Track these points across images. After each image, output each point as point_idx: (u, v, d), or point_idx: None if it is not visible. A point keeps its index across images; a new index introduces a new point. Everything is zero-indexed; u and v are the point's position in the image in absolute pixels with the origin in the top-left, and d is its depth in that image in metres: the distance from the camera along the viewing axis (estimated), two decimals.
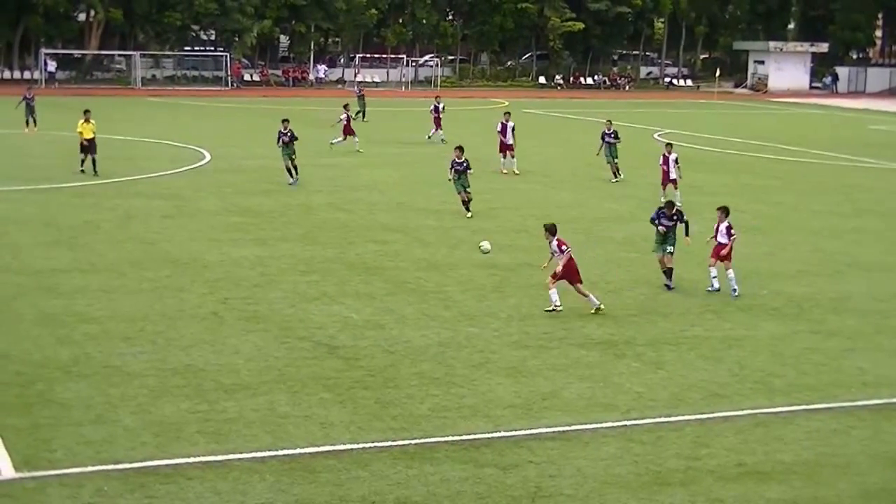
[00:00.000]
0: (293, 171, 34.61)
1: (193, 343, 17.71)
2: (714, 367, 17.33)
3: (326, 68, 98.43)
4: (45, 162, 38.02)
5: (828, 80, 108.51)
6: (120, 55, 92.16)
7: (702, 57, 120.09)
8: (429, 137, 48.78)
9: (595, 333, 18.97)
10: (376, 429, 14.23)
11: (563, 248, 20.09)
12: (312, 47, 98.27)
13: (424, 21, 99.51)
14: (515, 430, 14.29)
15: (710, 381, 16.57)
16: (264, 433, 13.97)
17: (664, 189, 32.92)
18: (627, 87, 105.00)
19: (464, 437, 14.02)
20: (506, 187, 35.93)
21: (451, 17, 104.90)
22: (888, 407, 15.82)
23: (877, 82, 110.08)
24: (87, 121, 35.39)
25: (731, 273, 21.90)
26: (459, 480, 12.73)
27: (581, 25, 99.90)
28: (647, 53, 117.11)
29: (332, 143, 43.93)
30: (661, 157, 33.48)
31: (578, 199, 34.12)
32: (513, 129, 38.69)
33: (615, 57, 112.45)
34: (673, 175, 33.00)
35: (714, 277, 22.10)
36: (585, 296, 20.21)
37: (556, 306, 20.06)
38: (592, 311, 20.12)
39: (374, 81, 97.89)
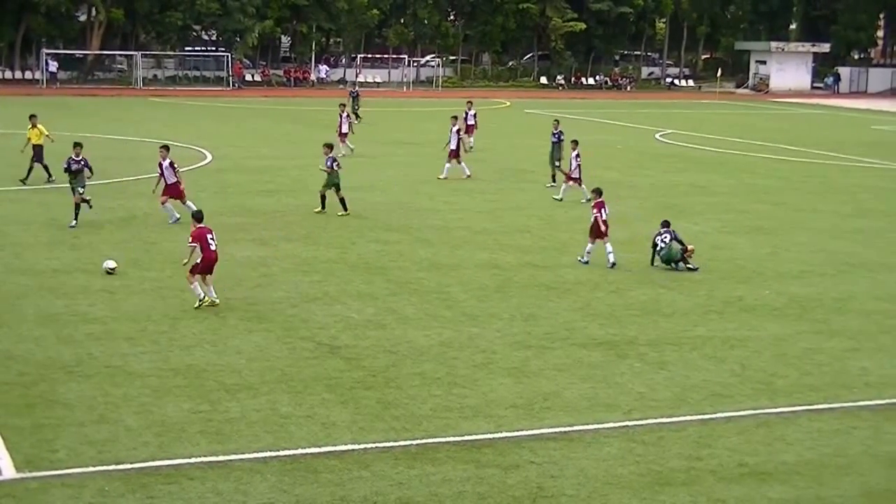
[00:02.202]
0: (78, 210, 27.15)
1: (195, 343, 17.72)
2: (716, 367, 17.32)
3: (328, 68, 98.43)
4: (47, 162, 37.95)
5: (829, 80, 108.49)
6: (121, 55, 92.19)
7: (703, 57, 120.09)
8: (470, 147, 45.44)
9: (597, 334, 18.96)
10: (378, 429, 14.23)
11: (190, 242, 19.71)
12: (314, 47, 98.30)
13: (426, 21, 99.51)
14: (517, 431, 14.29)
15: (712, 382, 16.56)
16: (266, 433, 13.97)
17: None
18: (629, 88, 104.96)
19: (465, 438, 14.02)
20: (508, 187, 35.93)
21: (452, 18, 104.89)
22: (891, 407, 15.80)
23: (879, 82, 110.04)
24: (33, 126, 34.13)
25: (608, 247, 23.93)
26: (461, 481, 12.73)
27: (583, 26, 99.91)
28: (649, 54, 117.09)
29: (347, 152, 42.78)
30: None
31: (580, 198, 34.05)
32: (457, 132, 37.98)
33: (617, 57, 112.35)
34: (574, 174, 33.05)
35: (588, 252, 24.15)
36: (192, 284, 19.77)
37: (200, 300, 19.65)
38: (211, 303, 19.74)
39: (375, 82, 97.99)
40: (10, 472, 12.60)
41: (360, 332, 18.58)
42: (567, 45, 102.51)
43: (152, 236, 26.26)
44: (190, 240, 19.84)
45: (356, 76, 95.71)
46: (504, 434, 14.16)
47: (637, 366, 17.26)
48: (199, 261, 19.71)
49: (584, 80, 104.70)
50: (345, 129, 43.33)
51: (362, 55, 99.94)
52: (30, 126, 34.50)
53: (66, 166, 27.45)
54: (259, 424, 14.26)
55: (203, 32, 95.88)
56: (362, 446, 13.62)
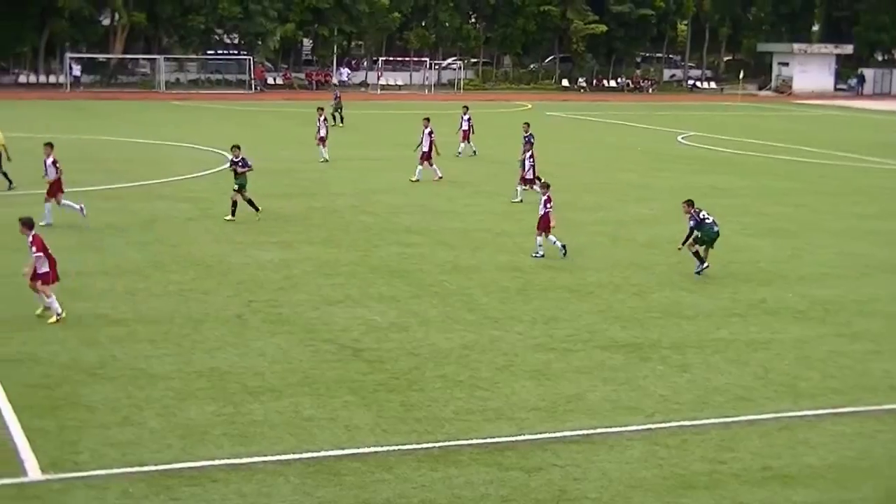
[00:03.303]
0: None
1: (218, 346, 17.78)
2: (739, 370, 17.27)
3: (349, 71, 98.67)
4: (69, 166, 38.12)
5: (853, 81, 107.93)
6: (144, 59, 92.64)
7: (725, 59, 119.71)
8: (466, 153, 45.05)
9: (619, 336, 18.93)
10: (401, 431, 14.25)
11: (36, 252, 18.51)
12: (335, 50, 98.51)
13: (447, 24, 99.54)
14: (540, 433, 14.28)
15: (735, 385, 16.52)
16: (289, 435, 14.01)
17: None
18: (651, 90, 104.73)
19: (488, 440, 14.02)
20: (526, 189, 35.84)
21: (473, 20, 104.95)
22: None
23: None
24: None
25: (551, 238, 24.96)
26: (484, 483, 12.73)
27: (604, 28, 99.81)
28: (671, 56, 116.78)
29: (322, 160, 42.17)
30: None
31: (601, 201, 34.05)
32: (430, 134, 37.88)
33: (638, 59, 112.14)
34: (528, 174, 33.16)
35: (540, 246, 24.99)
36: (49, 297, 18.63)
37: (58, 315, 18.63)
38: (53, 320, 18.56)
39: (397, 84, 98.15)
40: (34, 474, 12.67)
41: (382, 335, 18.61)
42: (588, 47, 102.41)
43: (175, 238, 26.35)
44: (35, 250, 18.62)
45: (378, 79, 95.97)
46: (526, 437, 14.16)
47: (659, 368, 17.23)
48: (47, 269, 18.70)
49: (605, 82, 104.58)
50: (322, 132, 42.56)
51: (384, 58, 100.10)
52: None
53: None
54: (282, 427, 14.30)
55: (225, 36, 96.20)
56: (385, 448, 13.64)
